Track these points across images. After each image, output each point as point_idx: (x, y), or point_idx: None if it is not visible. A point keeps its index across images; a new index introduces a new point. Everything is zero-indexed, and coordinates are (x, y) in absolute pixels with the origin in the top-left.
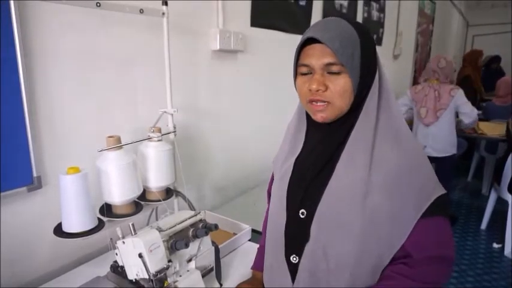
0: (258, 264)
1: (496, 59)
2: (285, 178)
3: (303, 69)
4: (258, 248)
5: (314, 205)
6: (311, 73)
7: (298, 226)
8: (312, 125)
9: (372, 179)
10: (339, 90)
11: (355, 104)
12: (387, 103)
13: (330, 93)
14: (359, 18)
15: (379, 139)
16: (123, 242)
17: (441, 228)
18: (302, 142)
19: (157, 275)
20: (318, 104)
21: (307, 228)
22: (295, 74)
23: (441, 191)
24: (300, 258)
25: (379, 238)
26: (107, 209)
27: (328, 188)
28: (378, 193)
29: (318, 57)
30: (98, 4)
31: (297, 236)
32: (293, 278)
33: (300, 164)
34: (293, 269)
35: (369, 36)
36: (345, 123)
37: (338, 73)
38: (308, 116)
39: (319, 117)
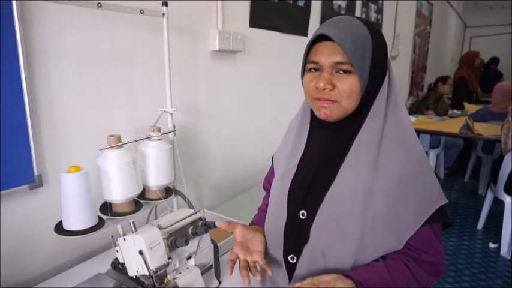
0: (256, 221)
1: (494, 60)
2: (288, 177)
3: (312, 66)
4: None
5: (315, 207)
6: (319, 70)
7: (298, 226)
8: (316, 123)
9: (375, 185)
10: (347, 90)
11: (361, 105)
12: (395, 106)
13: (337, 93)
14: None
15: (385, 142)
16: (124, 239)
17: (437, 235)
18: (305, 141)
19: (157, 271)
20: (324, 100)
21: (307, 229)
22: (303, 70)
23: (443, 200)
24: (298, 258)
25: (377, 243)
26: (107, 208)
27: (331, 191)
28: (380, 199)
29: (327, 55)
30: (99, 4)
31: (296, 236)
32: (290, 278)
33: (303, 163)
34: (290, 269)
35: (381, 38)
36: (351, 124)
37: (347, 72)
38: (312, 115)
39: (322, 114)
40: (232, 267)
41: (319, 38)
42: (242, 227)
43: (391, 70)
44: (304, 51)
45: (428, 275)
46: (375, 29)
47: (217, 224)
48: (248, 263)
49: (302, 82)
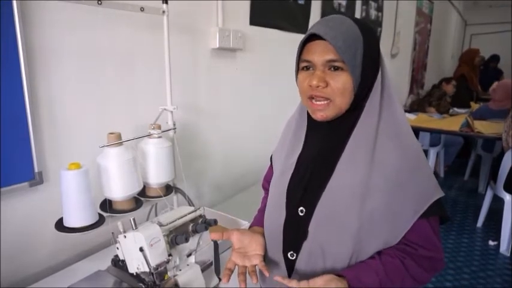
0: (256, 222)
1: (495, 58)
2: (286, 175)
3: (305, 65)
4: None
5: (313, 203)
6: (312, 69)
7: (297, 223)
8: (312, 123)
9: (372, 181)
10: (340, 87)
11: (355, 103)
12: (389, 102)
13: (330, 90)
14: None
15: (381, 138)
16: (125, 236)
17: (434, 229)
18: (303, 139)
19: (157, 268)
20: (318, 102)
21: (305, 226)
22: (297, 70)
23: (439, 193)
24: (297, 255)
25: (375, 238)
26: (107, 205)
27: (328, 187)
28: (378, 195)
29: (320, 53)
30: (99, 2)
31: (295, 233)
32: (289, 274)
33: (301, 161)
34: (290, 266)
35: (373, 35)
36: (346, 121)
37: (339, 70)
38: (309, 114)
39: (319, 116)
40: (229, 276)
41: (311, 37)
42: (238, 233)
43: (384, 67)
44: (297, 51)
45: (426, 272)
46: (366, 27)
47: (210, 236)
48: (247, 267)
49: (296, 81)
